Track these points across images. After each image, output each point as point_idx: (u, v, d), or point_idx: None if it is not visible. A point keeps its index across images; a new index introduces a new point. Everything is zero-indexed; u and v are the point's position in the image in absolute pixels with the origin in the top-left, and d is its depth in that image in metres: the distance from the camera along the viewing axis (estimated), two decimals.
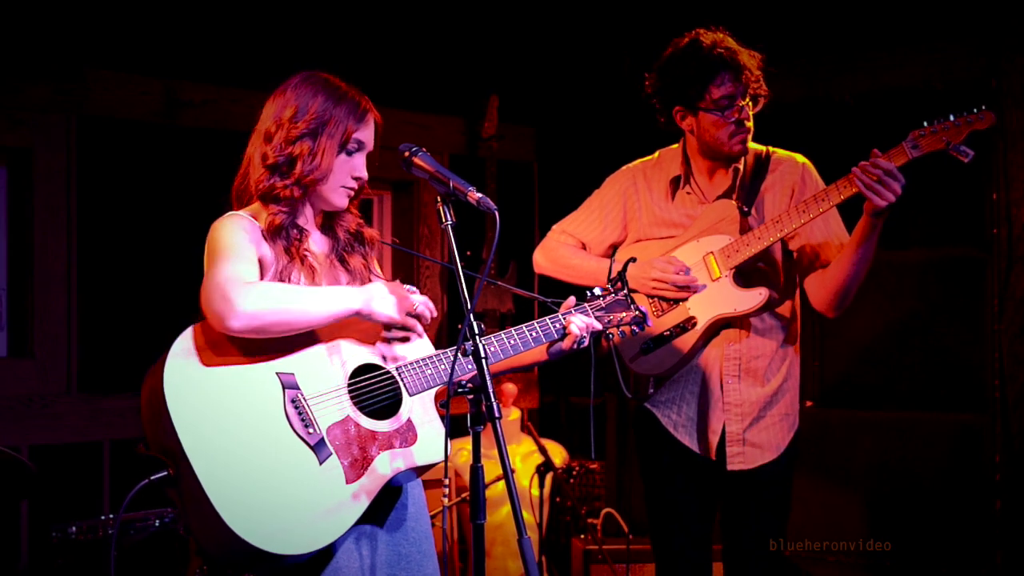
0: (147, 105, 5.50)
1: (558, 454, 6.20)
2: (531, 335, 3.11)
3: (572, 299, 3.24)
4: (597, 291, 3.26)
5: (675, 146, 4.00)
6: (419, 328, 2.97)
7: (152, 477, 2.70)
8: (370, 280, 3.09)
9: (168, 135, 5.56)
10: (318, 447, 2.79)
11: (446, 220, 2.85)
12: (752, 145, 3.92)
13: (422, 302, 2.98)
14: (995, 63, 5.45)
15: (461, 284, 2.77)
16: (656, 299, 3.84)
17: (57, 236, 5.23)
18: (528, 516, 5.74)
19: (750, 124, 3.80)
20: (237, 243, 2.83)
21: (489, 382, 2.68)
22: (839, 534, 5.50)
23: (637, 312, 3.24)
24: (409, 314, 2.94)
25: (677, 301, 3.81)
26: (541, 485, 5.53)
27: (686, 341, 3.82)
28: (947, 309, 5.66)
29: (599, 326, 3.19)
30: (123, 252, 5.41)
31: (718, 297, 3.79)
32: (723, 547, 3.98)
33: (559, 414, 6.93)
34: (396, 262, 6.48)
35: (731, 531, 3.94)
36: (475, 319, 2.74)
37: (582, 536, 5.60)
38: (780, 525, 3.92)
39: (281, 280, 2.89)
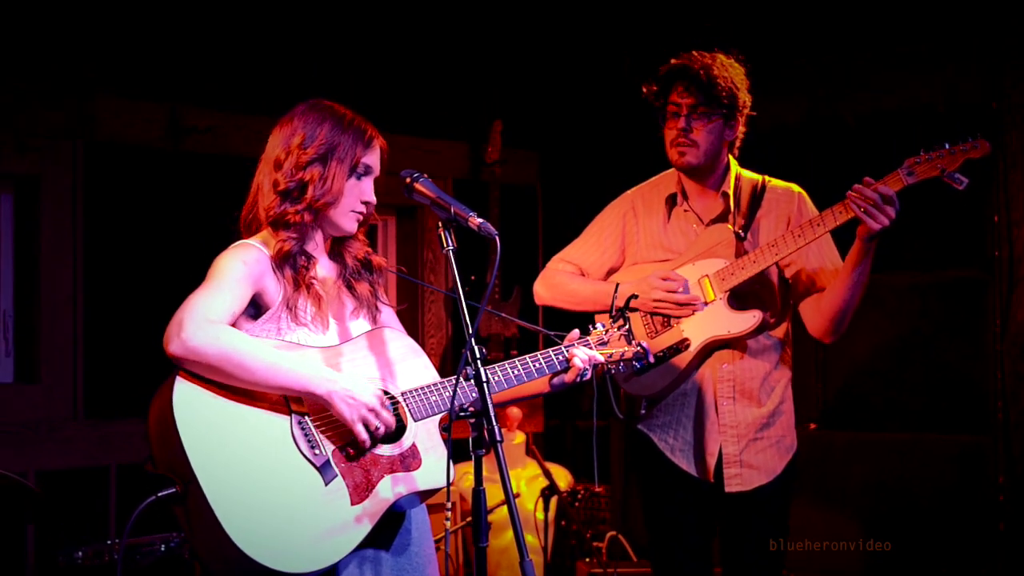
0: (152, 131, 5.52)
1: (563, 478, 6.21)
2: (534, 366, 3.14)
3: (576, 332, 3.27)
4: (599, 326, 3.30)
5: (672, 169, 4.04)
6: (364, 437, 2.84)
7: (160, 494, 2.73)
8: (376, 307, 3.12)
9: (173, 160, 5.59)
10: (324, 469, 2.82)
11: (447, 246, 2.88)
12: (748, 174, 3.95)
13: (384, 424, 2.88)
14: (996, 85, 5.48)
15: (463, 310, 2.80)
16: (650, 320, 3.87)
17: (63, 261, 5.24)
18: (533, 540, 5.74)
19: (696, 137, 3.82)
20: (228, 277, 2.87)
21: (491, 406, 2.71)
22: (841, 557, 5.50)
23: (638, 348, 3.28)
24: (367, 427, 2.85)
25: (671, 323, 3.83)
26: (546, 509, 5.54)
27: (679, 363, 3.84)
28: (949, 330, 5.67)
29: (601, 359, 3.22)
30: (129, 277, 5.43)
31: (712, 319, 3.81)
32: (722, 571, 3.99)
33: (565, 438, 6.94)
34: (401, 288, 6.50)
35: (729, 553, 3.95)
36: (479, 343, 2.76)
37: (587, 559, 5.60)
38: (778, 546, 3.93)
39: (288, 308, 2.92)
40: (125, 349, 5.33)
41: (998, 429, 5.40)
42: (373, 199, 3.04)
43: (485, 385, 2.72)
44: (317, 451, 2.83)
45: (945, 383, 5.65)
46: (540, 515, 5.57)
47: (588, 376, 3.20)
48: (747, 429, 3.87)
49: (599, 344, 3.26)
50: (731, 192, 3.90)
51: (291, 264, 2.95)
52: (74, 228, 5.27)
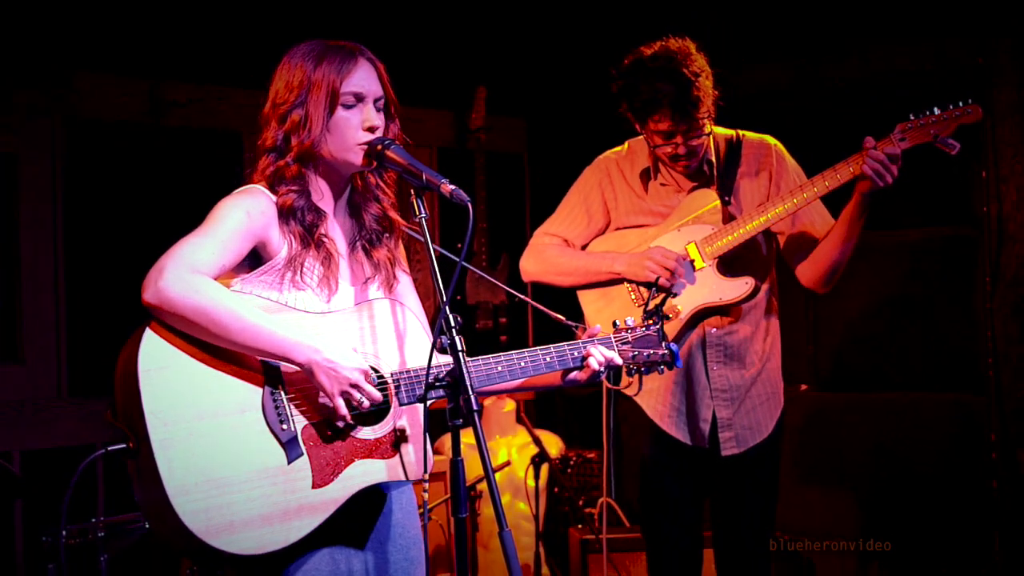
0: (133, 106, 5.47)
1: (554, 445, 6.19)
2: (544, 359, 2.95)
3: (598, 327, 3.05)
4: (629, 321, 3.09)
5: (642, 137, 3.97)
6: (343, 412, 2.69)
7: (109, 448, 2.62)
8: (394, 275, 2.96)
9: (155, 135, 5.53)
10: (289, 445, 2.65)
11: (420, 214, 2.77)
12: (721, 130, 3.91)
13: (369, 398, 2.72)
14: (983, 41, 5.43)
15: (436, 278, 2.70)
16: (636, 288, 3.84)
17: (44, 240, 5.21)
18: (525, 507, 5.73)
19: (694, 150, 3.76)
20: (226, 226, 2.69)
21: (467, 376, 2.59)
22: (836, 518, 5.49)
23: (666, 351, 3.05)
24: (349, 401, 2.70)
25: (658, 290, 3.79)
26: (536, 476, 5.53)
27: (668, 331, 3.80)
28: (939, 288, 5.65)
29: (620, 361, 3.01)
30: (112, 254, 5.39)
31: (702, 286, 3.78)
32: (714, 533, 3.97)
33: (555, 405, 6.92)
34: None
35: (723, 515, 3.94)
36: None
37: (579, 526, 5.59)
38: (770, 506, 3.93)
39: (292, 267, 2.76)
40: (108, 327, 5.29)
41: (990, 387, 5.39)
42: (376, 122, 2.83)
43: (461, 354, 2.60)
44: (285, 426, 2.66)
45: (936, 342, 5.63)
46: (531, 482, 5.56)
47: (603, 377, 3.01)
48: (738, 392, 3.86)
49: (622, 343, 3.04)
50: (714, 159, 3.86)
51: (298, 218, 2.78)
52: (54, 206, 5.24)
